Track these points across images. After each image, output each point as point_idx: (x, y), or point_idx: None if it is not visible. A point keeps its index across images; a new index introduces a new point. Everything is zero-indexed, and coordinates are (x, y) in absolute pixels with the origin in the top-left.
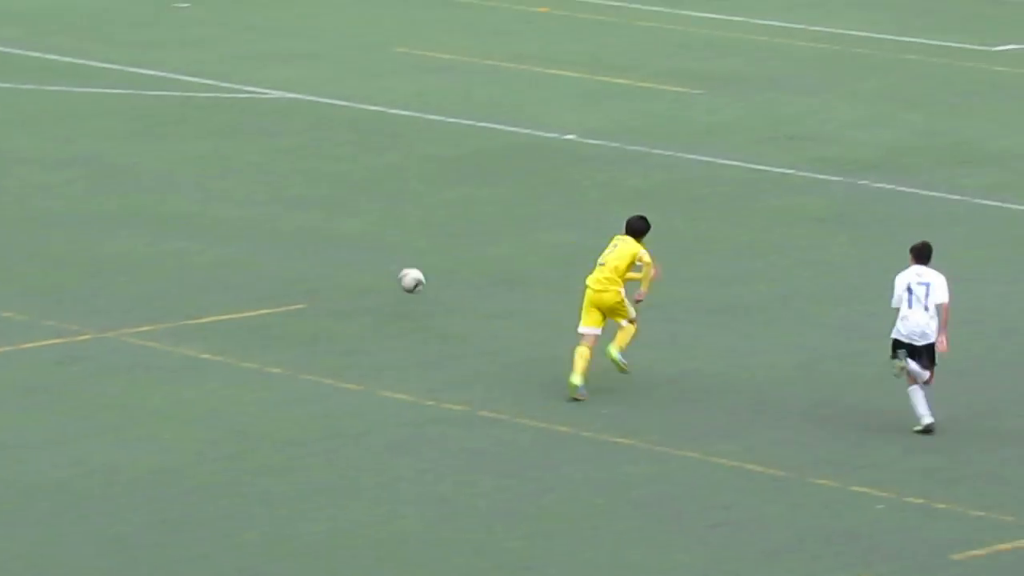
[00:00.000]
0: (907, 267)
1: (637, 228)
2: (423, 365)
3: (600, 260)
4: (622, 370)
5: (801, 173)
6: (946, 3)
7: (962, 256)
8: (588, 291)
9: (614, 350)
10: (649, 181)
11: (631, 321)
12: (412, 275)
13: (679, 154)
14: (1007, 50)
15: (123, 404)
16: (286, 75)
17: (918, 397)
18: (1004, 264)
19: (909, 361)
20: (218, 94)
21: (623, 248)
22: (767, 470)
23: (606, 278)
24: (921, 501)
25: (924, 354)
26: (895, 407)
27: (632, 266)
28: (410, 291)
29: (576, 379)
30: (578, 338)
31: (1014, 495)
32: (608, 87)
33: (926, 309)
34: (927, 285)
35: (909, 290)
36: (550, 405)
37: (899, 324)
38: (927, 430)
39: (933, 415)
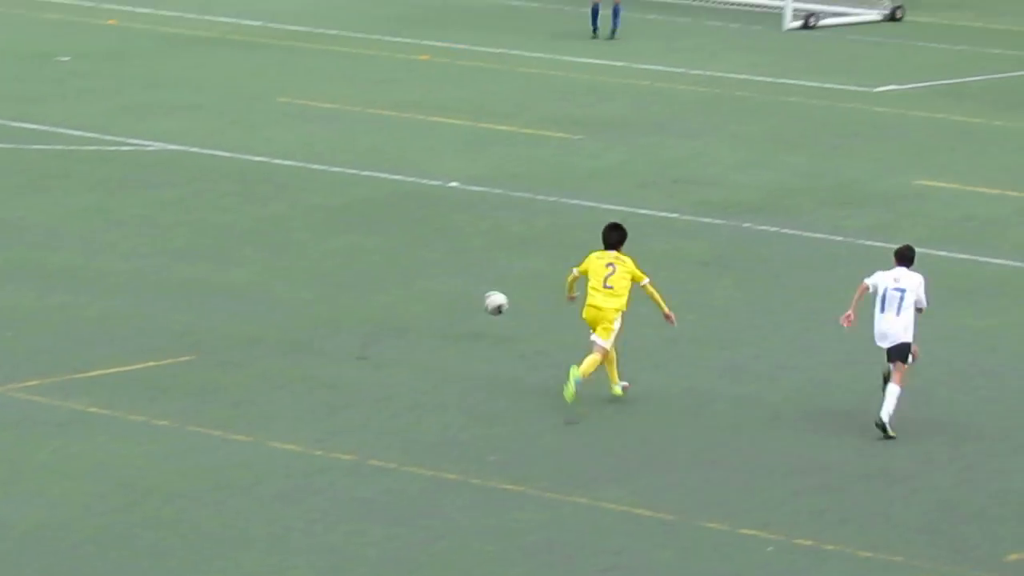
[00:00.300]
0: (891, 268)
1: (618, 240)
2: (311, 414)
3: (607, 284)
4: (570, 397)
5: (684, 217)
6: (826, 45)
7: (846, 297)
8: (590, 309)
9: (577, 372)
10: (533, 227)
11: (602, 352)
12: (495, 300)
13: (563, 200)
14: (887, 91)
15: (10, 459)
16: (168, 127)
17: (889, 393)
18: None
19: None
20: (101, 147)
21: (623, 270)
22: (656, 514)
23: (617, 302)
24: (810, 543)
25: (895, 353)
26: (783, 449)
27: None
28: (493, 314)
29: (575, 372)
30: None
31: (902, 535)
32: (491, 134)
33: (897, 314)
34: (902, 292)
35: (885, 294)
36: (439, 453)
37: (875, 326)
38: (880, 426)
39: (891, 416)
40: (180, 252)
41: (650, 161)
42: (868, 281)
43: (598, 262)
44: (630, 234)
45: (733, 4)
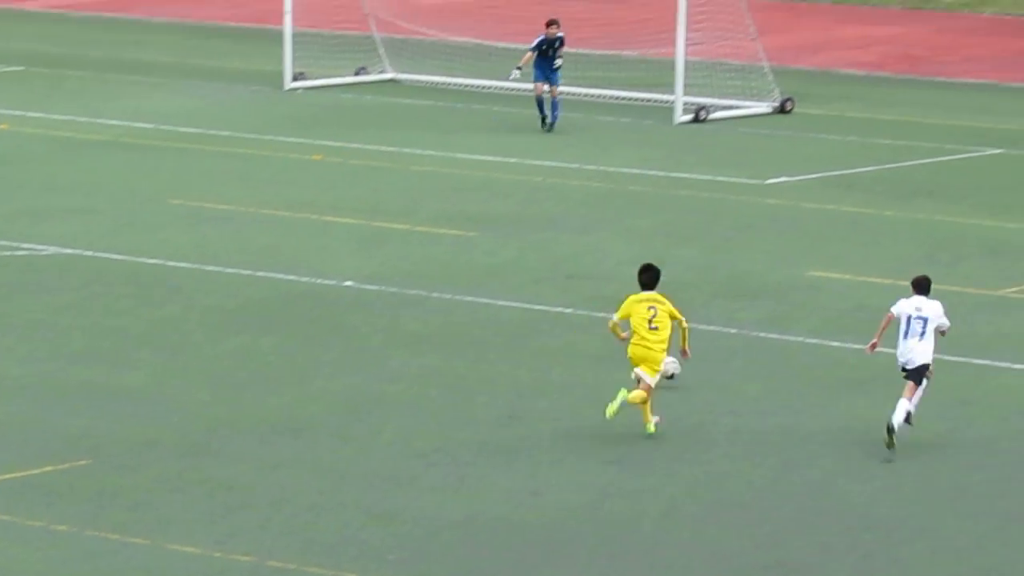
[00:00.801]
0: (909, 295)
1: (653, 280)
2: (209, 516)
3: (652, 324)
4: (611, 414)
5: (579, 312)
6: (716, 138)
7: (741, 389)
8: (637, 348)
9: (627, 396)
10: (429, 325)
11: (648, 389)
12: (670, 365)
13: (458, 297)
14: (778, 183)
15: None
16: (63, 231)
17: (900, 406)
18: (784, 396)
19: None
20: None
21: (662, 310)
22: None
23: (662, 342)
24: None
25: (913, 375)
26: (680, 543)
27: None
28: (667, 378)
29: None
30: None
31: None
32: (385, 232)
33: (920, 339)
34: (925, 320)
35: (908, 321)
36: (338, 552)
37: (898, 350)
38: (888, 429)
39: (900, 424)
40: (76, 356)
41: (544, 257)
42: (893, 310)
43: (639, 306)
44: (524, 330)
45: (624, 99)
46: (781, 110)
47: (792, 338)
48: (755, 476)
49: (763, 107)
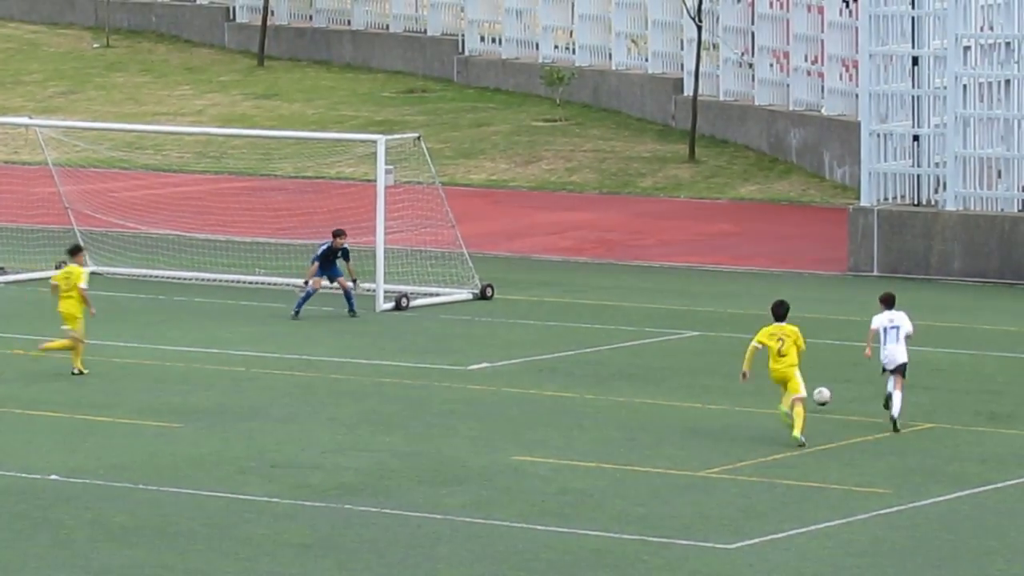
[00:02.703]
0: (880, 312)
1: (785, 311)
2: None
3: (780, 351)
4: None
5: (285, 501)
6: (418, 325)
7: (447, 571)
8: (775, 371)
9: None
10: (136, 517)
11: (803, 400)
12: (825, 393)
13: (164, 488)
14: (480, 368)
15: None
16: None
17: (896, 400)
18: None
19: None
20: None
21: (788, 341)
22: None
23: (790, 365)
24: None
25: (898, 370)
26: None
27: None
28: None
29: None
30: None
31: None
32: (90, 425)
33: (896, 343)
34: (897, 327)
35: (885, 331)
36: None
37: (882, 354)
38: (893, 423)
39: (900, 413)
40: None
41: (248, 447)
42: (873, 325)
43: (771, 338)
44: (230, 520)
45: (325, 288)
46: (482, 296)
47: (498, 522)
48: None
49: (464, 294)
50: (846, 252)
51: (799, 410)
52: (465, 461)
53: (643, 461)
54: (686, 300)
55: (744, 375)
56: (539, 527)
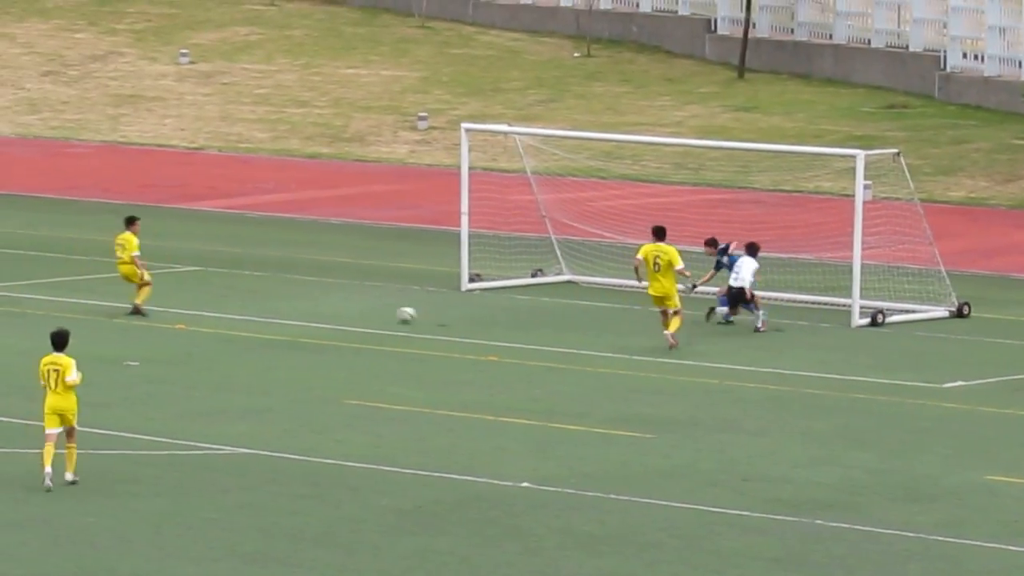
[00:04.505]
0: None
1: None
2: None
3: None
4: None
5: (755, 514)
6: (893, 341)
7: None
8: None
9: None
10: (605, 527)
11: None
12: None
13: (633, 498)
14: (955, 387)
15: None
16: (239, 430)
17: None
18: None
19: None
20: (171, 451)
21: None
22: None
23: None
24: None
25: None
26: None
27: None
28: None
29: None
30: None
31: None
32: (561, 433)
33: None
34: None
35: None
36: None
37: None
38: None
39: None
40: (251, 556)
41: (720, 459)
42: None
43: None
44: (700, 532)
45: (801, 302)
46: (958, 314)
47: (970, 542)
48: None
49: (940, 311)
50: None
51: None
52: (938, 479)
53: None
54: None
55: None
56: (1012, 547)
